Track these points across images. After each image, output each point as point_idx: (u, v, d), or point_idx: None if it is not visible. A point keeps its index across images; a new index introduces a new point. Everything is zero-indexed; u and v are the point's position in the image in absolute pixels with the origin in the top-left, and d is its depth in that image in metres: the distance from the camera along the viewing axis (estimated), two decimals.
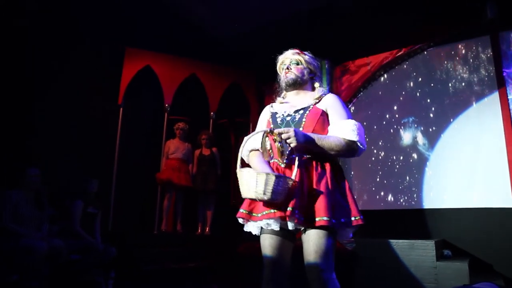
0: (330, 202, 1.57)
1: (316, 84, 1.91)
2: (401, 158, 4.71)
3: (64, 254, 3.28)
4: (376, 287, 3.37)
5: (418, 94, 4.75)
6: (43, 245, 3.08)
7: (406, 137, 4.73)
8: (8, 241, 3.10)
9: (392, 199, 4.67)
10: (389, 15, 4.52)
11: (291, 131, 1.57)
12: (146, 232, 4.92)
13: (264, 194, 1.48)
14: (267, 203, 1.58)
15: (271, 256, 1.66)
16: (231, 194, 5.47)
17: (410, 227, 4.30)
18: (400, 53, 4.86)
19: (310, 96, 1.86)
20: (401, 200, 4.60)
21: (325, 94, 1.85)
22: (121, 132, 4.92)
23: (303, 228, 1.61)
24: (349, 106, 5.08)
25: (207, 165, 5.06)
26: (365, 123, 4.78)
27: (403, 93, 4.86)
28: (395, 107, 4.88)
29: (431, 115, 4.60)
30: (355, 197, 1.75)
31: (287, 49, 1.95)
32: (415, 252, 3.30)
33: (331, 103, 1.80)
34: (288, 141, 1.57)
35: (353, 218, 1.61)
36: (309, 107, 1.79)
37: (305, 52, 1.94)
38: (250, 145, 1.86)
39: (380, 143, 4.89)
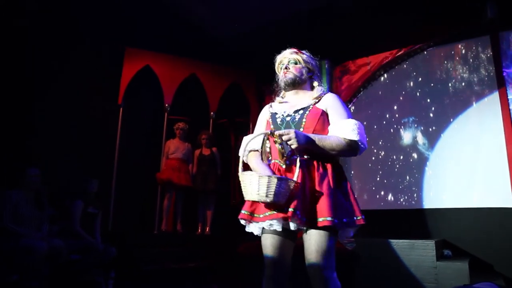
0: (333, 202, 1.57)
1: (315, 83, 1.91)
2: (401, 157, 4.71)
3: (64, 254, 3.28)
4: (376, 287, 3.37)
5: (418, 94, 4.75)
6: (43, 245, 3.08)
7: (406, 136, 4.73)
8: (8, 241, 3.10)
9: (392, 198, 4.67)
10: (389, 15, 4.52)
11: (291, 133, 1.57)
12: (146, 232, 4.92)
13: (267, 196, 1.50)
14: (270, 205, 1.58)
15: (272, 255, 1.66)
16: (231, 194, 5.47)
17: (410, 227, 4.30)
18: (400, 53, 4.86)
19: (309, 96, 1.85)
20: (401, 200, 4.60)
21: (325, 94, 1.85)
22: (121, 132, 4.92)
23: (304, 228, 1.62)
24: (349, 106, 5.08)
25: (207, 165, 5.06)
26: (365, 123, 4.75)
27: (403, 93, 4.86)
28: (395, 107, 4.88)
29: (431, 115, 4.60)
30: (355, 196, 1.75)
31: (286, 49, 1.95)
32: (415, 252, 3.29)
33: (331, 103, 1.80)
34: (289, 142, 1.58)
35: (355, 218, 1.62)
36: (309, 107, 1.78)
37: (303, 51, 1.93)
38: (250, 146, 1.86)
39: (380, 143, 4.89)
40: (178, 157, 5.00)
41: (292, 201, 1.54)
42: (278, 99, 1.95)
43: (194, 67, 5.41)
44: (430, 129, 4.57)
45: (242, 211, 1.70)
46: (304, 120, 1.75)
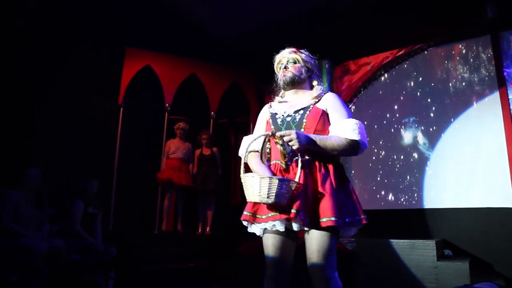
0: (336, 202, 1.58)
1: (314, 83, 1.91)
2: (402, 157, 4.71)
3: (64, 254, 3.27)
4: (377, 286, 3.37)
5: (418, 94, 4.74)
6: (43, 245, 3.07)
7: (407, 136, 4.73)
8: (8, 241, 3.10)
9: (393, 198, 4.66)
10: (389, 15, 4.52)
11: (293, 134, 1.57)
12: (146, 232, 4.91)
13: (268, 197, 1.50)
14: (272, 206, 1.59)
15: (274, 255, 1.66)
16: (231, 194, 5.47)
17: (411, 226, 4.30)
18: (400, 52, 4.86)
19: (309, 95, 1.85)
20: (402, 200, 4.60)
21: (324, 93, 1.85)
22: (122, 132, 4.92)
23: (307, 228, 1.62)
24: (350, 106, 5.08)
25: (207, 165, 5.05)
26: (365, 123, 4.76)
27: (404, 92, 4.86)
28: (396, 107, 4.88)
29: (432, 114, 4.59)
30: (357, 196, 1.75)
31: (285, 49, 1.95)
32: (416, 252, 3.29)
33: (331, 103, 1.79)
34: (290, 143, 1.58)
35: (357, 218, 1.62)
36: (309, 107, 1.78)
37: (302, 51, 1.93)
38: (251, 147, 1.86)
39: (380, 143, 4.89)
40: (178, 157, 5.00)
41: (294, 202, 1.54)
42: (277, 98, 1.95)
43: (194, 67, 5.41)
44: (431, 129, 4.56)
45: (245, 212, 1.70)
46: (304, 120, 1.75)
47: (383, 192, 4.74)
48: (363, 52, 5.12)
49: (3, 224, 3.15)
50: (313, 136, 1.65)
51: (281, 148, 1.65)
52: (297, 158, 1.64)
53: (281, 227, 1.62)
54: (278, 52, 1.97)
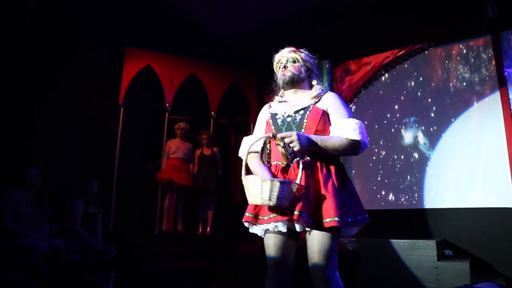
0: (339, 203, 1.58)
1: (314, 82, 1.91)
2: (402, 157, 4.70)
3: (64, 254, 3.27)
4: (377, 286, 3.36)
5: (419, 94, 4.74)
6: (43, 245, 3.07)
7: (407, 136, 4.72)
8: (8, 241, 3.10)
9: (393, 198, 4.66)
10: (389, 15, 4.52)
11: (293, 135, 1.57)
12: (147, 232, 4.91)
13: (270, 200, 1.51)
14: (273, 208, 1.59)
15: (275, 255, 1.66)
16: (231, 194, 5.47)
17: (411, 226, 4.30)
18: (401, 52, 4.86)
19: (308, 95, 1.85)
20: (402, 200, 4.59)
21: (324, 93, 1.84)
22: (122, 132, 4.93)
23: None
24: (350, 106, 5.08)
25: (208, 165, 5.05)
26: (366, 122, 4.74)
27: (404, 92, 4.85)
28: (396, 107, 4.88)
29: (432, 114, 4.59)
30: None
31: (285, 48, 1.94)
32: (416, 252, 3.29)
33: (331, 102, 1.79)
34: (291, 145, 1.58)
35: (359, 217, 1.62)
36: (309, 107, 1.78)
37: (301, 50, 1.93)
38: (252, 148, 1.86)
39: (381, 143, 4.88)
40: (179, 157, 5.00)
41: (296, 203, 1.54)
42: (277, 98, 1.94)
43: (194, 67, 5.42)
44: (431, 129, 4.56)
45: (246, 214, 1.70)
46: (305, 120, 1.74)
47: (383, 192, 4.74)
48: (363, 52, 5.12)
49: (4, 224, 3.15)
50: (313, 137, 1.65)
51: (282, 150, 1.65)
52: (298, 159, 1.64)
53: (283, 228, 1.62)
54: (278, 52, 1.96)
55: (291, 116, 1.79)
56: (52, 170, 3.84)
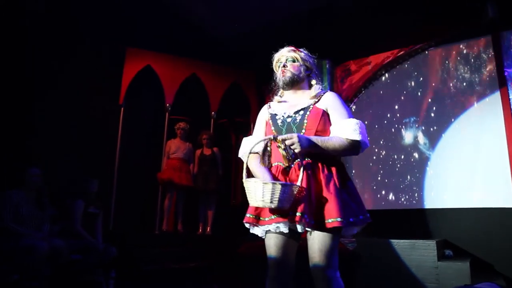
0: (341, 203, 1.58)
1: (313, 82, 1.90)
2: (402, 157, 4.70)
3: (65, 254, 3.27)
4: (377, 287, 3.36)
5: (419, 94, 4.74)
6: (44, 245, 3.07)
7: (407, 136, 4.72)
8: (8, 241, 3.10)
9: (393, 198, 4.66)
10: (389, 15, 4.51)
11: (294, 137, 1.57)
12: (147, 232, 4.91)
13: (272, 202, 1.51)
14: (274, 210, 1.59)
15: (276, 255, 1.66)
16: (232, 194, 5.47)
17: (411, 226, 4.29)
18: (401, 52, 4.85)
19: (308, 95, 1.85)
20: (402, 200, 4.59)
21: (324, 92, 1.84)
22: (122, 132, 4.93)
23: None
24: (350, 106, 5.08)
25: (208, 165, 5.05)
26: (366, 122, 4.75)
27: (404, 92, 4.85)
28: (396, 107, 4.88)
29: (432, 114, 4.59)
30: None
31: (284, 47, 1.94)
32: (417, 252, 3.29)
33: (331, 102, 1.79)
34: (292, 147, 1.58)
35: (361, 217, 1.63)
36: (309, 107, 1.77)
37: (301, 49, 1.92)
38: (253, 150, 1.85)
39: (381, 142, 4.89)
40: (179, 157, 5.00)
41: (298, 205, 1.55)
42: (276, 98, 1.94)
43: (194, 67, 5.42)
44: (431, 129, 4.56)
45: (247, 215, 1.70)
46: (305, 121, 1.74)
47: (383, 192, 4.74)
48: (363, 52, 5.11)
49: (4, 224, 3.15)
50: (314, 138, 1.65)
51: (283, 152, 1.65)
52: (299, 160, 1.64)
53: (285, 229, 1.62)
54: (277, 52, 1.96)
55: (291, 116, 1.79)
56: (52, 170, 3.83)
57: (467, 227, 3.98)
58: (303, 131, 1.72)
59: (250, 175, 1.68)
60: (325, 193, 1.60)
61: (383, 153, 4.85)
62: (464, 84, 4.43)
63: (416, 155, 4.62)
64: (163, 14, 4.76)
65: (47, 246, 3.08)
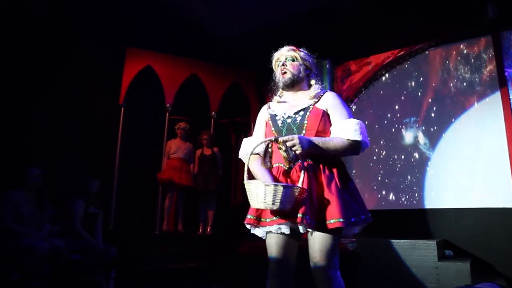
0: (343, 203, 1.58)
1: (312, 81, 1.89)
2: (403, 157, 4.70)
3: (65, 254, 3.27)
4: (378, 287, 3.36)
5: (419, 94, 4.74)
6: (44, 245, 3.07)
7: (408, 136, 4.72)
8: (8, 241, 3.09)
9: (394, 198, 4.66)
10: (389, 15, 4.51)
11: (295, 139, 1.57)
12: (147, 232, 4.91)
13: (273, 204, 1.51)
14: (276, 211, 1.59)
15: (277, 255, 1.66)
16: (232, 194, 5.47)
17: (412, 226, 4.29)
18: (401, 53, 4.86)
19: (307, 94, 1.84)
20: (403, 200, 4.59)
21: (323, 92, 1.84)
22: (122, 132, 4.92)
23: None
24: (351, 106, 5.08)
25: (208, 165, 5.05)
26: (366, 122, 4.75)
27: (405, 92, 4.85)
28: (397, 107, 4.88)
29: (433, 114, 4.59)
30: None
31: (284, 47, 1.93)
32: (417, 252, 3.29)
33: (331, 103, 1.79)
34: (293, 148, 1.58)
35: (362, 217, 1.62)
36: (309, 107, 1.77)
37: (301, 49, 1.92)
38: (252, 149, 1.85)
39: (381, 142, 4.88)
40: (179, 157, 5.00)
41: (299, 206, 1.55)
42: (276, 98, 1.93)
43: (194, 67, 5.42)
44: (432, 129, 4.56)
45: (248, 216, 1.69)
46: (305, 122, 1.74)
47: (384, 192, 4.74)
48: (363, 52, 5.12)
49: (4, 224, 3.15)
50: (315, 139, 1.64)
51: (284, 153, 1.65)
52: (300, 161, 1.64)
53: (286, 230, 1.62)
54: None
55: (291, 117, 1.78)
56: (52, 170, 3.83)
57: (467, 227, 3.98)
58: (304, 131, 1.72)
59: (251, 176, 1.68)
60: (326, 194, 1.60)
61: (383, 153, 4.85)
62: (465, 84, 4.43)
63: (416, 155, 4.61)
64: (163, 14, 4.76)
65: (47, 246, 3.08)
